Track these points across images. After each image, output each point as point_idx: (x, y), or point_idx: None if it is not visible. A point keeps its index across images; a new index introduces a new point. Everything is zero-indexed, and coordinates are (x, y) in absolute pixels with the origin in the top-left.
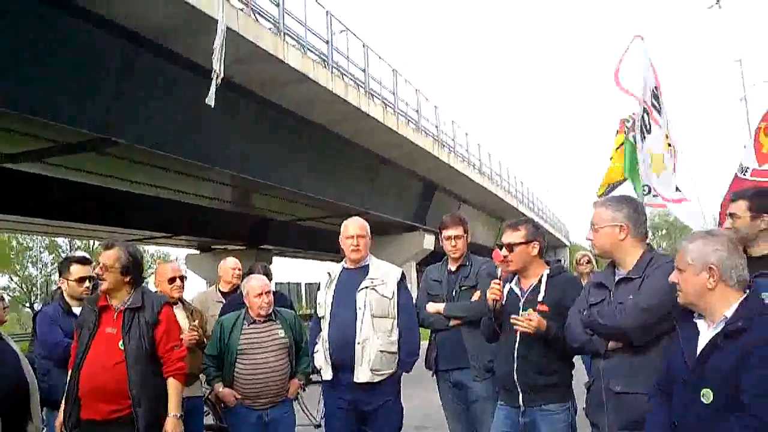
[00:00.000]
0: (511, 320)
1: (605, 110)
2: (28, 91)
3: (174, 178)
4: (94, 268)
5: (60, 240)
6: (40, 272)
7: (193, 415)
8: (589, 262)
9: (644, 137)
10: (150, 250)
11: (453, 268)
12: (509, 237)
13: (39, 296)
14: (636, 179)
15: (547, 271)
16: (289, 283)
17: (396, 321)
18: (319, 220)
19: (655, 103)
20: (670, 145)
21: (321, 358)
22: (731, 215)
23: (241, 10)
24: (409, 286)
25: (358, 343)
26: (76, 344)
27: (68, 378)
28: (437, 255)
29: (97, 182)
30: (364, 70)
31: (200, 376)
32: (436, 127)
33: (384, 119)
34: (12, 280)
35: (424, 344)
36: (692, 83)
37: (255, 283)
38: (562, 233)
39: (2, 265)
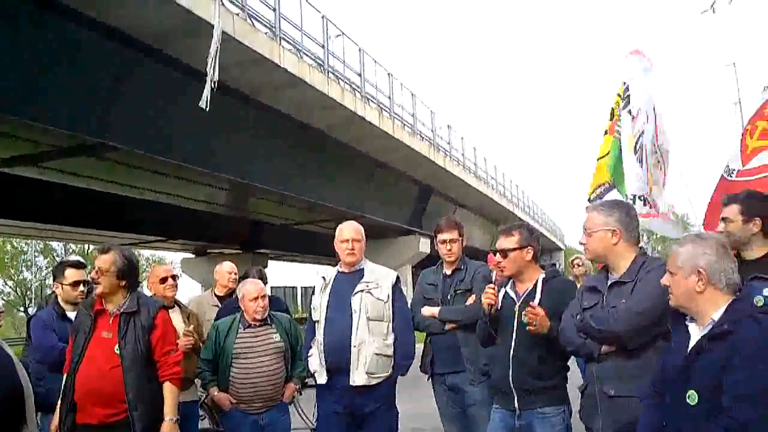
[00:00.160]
0: (523, 315)
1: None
2: (24, 95)
3: (170, 182)
4: (88, 273)
5: (55, 244)
6: (35, 276)
7: (188, 420)
8: (582, 265)
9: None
10: (145, 254)
11: (448, 272)
12: (503, 242)
13: (33, 300)
14: (621, 183)
15: (542, 276)
16: (284, 287)
17: (391, 324)
18: (315, 223)
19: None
20: (659, 161)
21: (316, 362)
22: (724, 219)
23: (237, 14)
24: (405, 289)
25: (354, 347)
26: (72, 348)
27: (63, 382)
28: (433, 259)
29: (92, 186)
30: (360, 75)
31: (195, 380)
32: (432, 131)
33: (380, 123)
34: (6, 284)
35: (420, 347)
36: (686, 88)
37: (250, 287)
38: (558, 237)
39: None
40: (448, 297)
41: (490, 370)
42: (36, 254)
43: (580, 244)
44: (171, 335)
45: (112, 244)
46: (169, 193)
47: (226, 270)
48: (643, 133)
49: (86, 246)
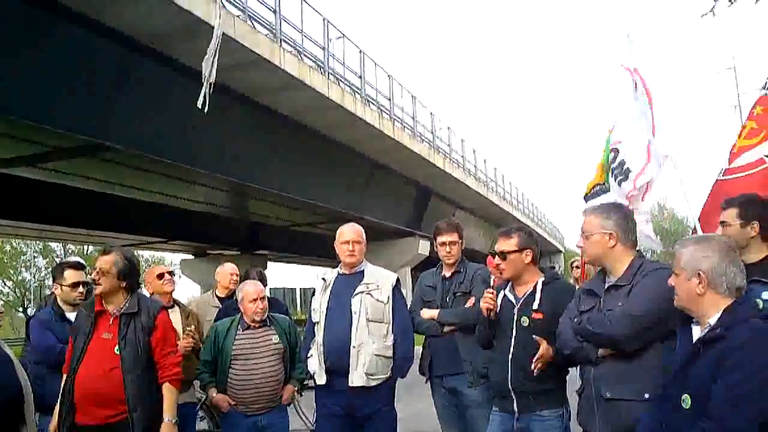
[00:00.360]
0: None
1: (601, 116)
2: (23, 96)
3: (169, 183)
4: (88, 274)
5: (54, 245)
6: (34, 277)
7: (186, 422)
8: (578, 267)
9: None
10: (145, 255)
11: (447, 274)
12: (502, 245)
13: (33, 301)
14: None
15: (542, 279)
16: (284, 288)
17: (391, 326)
18: (315, 225)
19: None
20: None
21: (315, 363)
22: (722, 223)
23: (238, 16)
24: (404, 291)
25: (353, 348)
26: (71, 349)
27: (63, 383)
28: (432, 261)
29: (91, 187)
30: (360, 77)
31: (194, 382)
32: (432, 133)
33: (380, 125)
34: (5, 284)
35: (418, 350)
36: (687, 91)
37: (250, 289)
38: (557, 239)
39: None
40: (447, 299)
41: (489, 372)
42: (35, 255)
43: (578, 247)
44: (171, 337)
45: (113, 245)
46: (169, 194)
47: (227, 271)
48: (617, 149)
49: (86, 247)
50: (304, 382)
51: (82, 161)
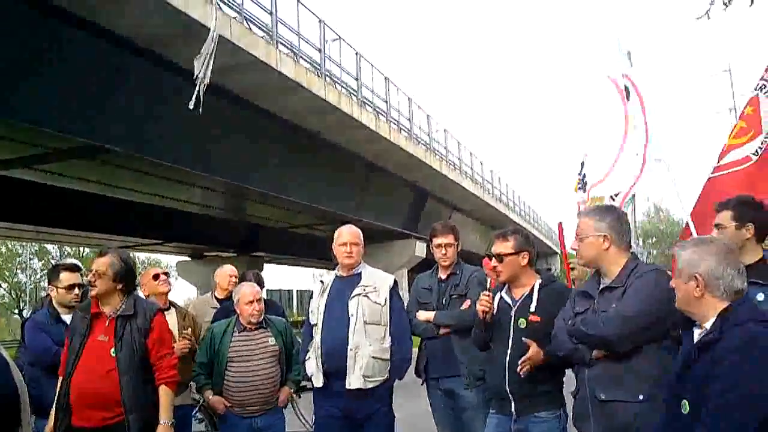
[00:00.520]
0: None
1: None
2: (19, 98)
3: (166, 185)
4: (84, 276)
5: (50, 246)
6: (30, 279)
7: (183, 424)
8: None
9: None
10: (141, 257)
11: (443, 276)
12: (498, 247)
13: (28, 303)
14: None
15: (539, 281)
16: (280, 290)
17: (388, 328)
18: (311, 227)
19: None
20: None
21: (312, 365)
22: (717, 226)
23: (234, 18)
24: (401, 293)
25: (351, 350)
26: (67, 351)
27: (59, 385)
28: (429, 263)
29: (88, 189)
30: (356, 79)
31: (190, 384)
32: (429, 134)
33: (376, 127)
34: (1, 286)
35: (415, 352)
36: (682, 94)
37: (246, 290)
38: (553, 241)
39: None
40: (443, 301)
41: (487, 375)
42: (31, 256)
43: (572, 249)
44: (167, 338)
45: (109, 247)
46: (165, 195)
47: (226, 273)
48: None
49: (81, 248)
50: (301, 384)
51: (80, 163)
